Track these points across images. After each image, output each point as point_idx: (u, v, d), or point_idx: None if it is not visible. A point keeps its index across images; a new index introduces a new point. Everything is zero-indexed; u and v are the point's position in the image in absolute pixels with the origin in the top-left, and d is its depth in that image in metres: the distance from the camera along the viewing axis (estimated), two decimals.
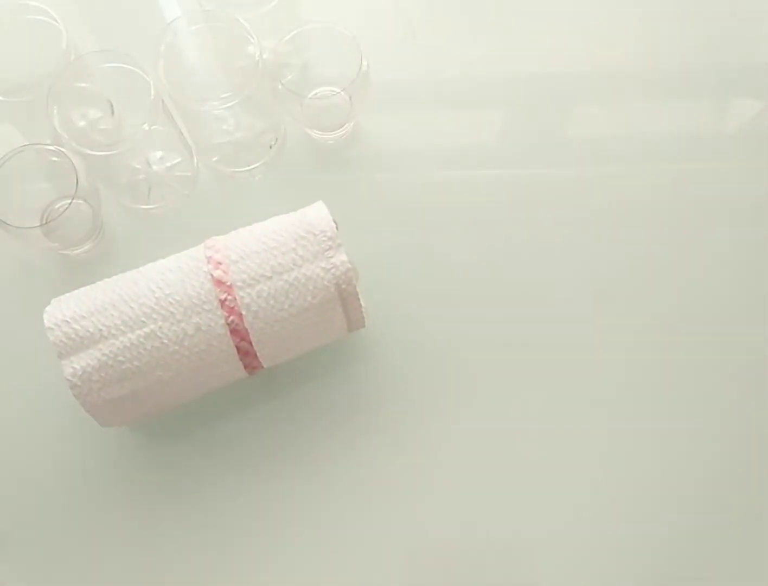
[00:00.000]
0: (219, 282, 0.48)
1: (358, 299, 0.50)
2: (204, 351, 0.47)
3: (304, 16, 0.63)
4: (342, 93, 0.55)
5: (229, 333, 0.47)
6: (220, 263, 0.48)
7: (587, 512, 0.53)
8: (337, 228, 0.50)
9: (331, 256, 0.48)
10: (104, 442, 0.54)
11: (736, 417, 0.56)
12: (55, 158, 0.52)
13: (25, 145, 0.52)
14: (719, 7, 0.67)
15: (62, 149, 0.51)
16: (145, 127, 0.51)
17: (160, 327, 0.47)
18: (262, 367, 0.50)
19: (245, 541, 0.52)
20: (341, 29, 0.55)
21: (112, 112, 0.57)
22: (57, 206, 0.57)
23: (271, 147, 0.61)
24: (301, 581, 0.52)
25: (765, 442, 0.55)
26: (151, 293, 0.48)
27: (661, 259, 0.60)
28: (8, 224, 0.51)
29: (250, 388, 0.55)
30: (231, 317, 0.47)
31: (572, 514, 0.53)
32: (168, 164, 0.60)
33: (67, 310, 0.47)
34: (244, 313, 0.47)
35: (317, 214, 0.51)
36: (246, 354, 0.48)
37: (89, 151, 0.51)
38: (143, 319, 0.47)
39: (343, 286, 0.48)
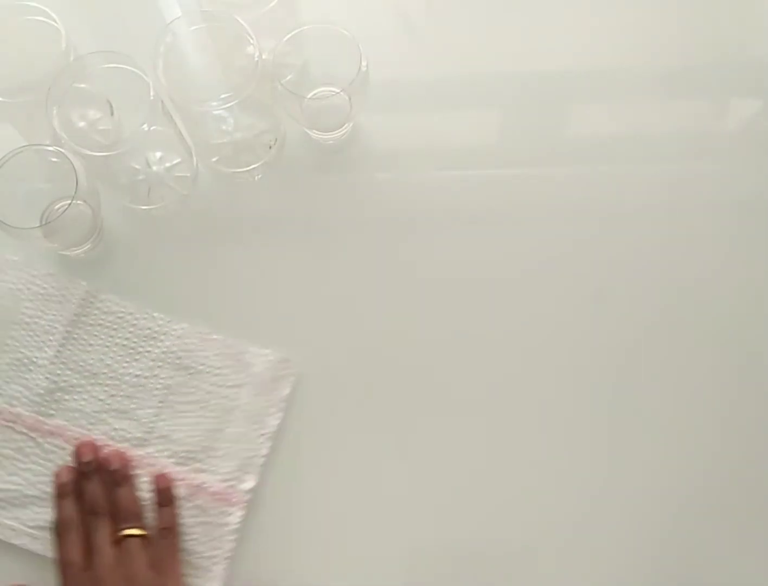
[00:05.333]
0: None
1: None
2: None
3: (303, 16, 0.63)
4: (341, 93, 0.55)
5: None
6: None
7: (586, 516, 0.53)
8: None
9: None
10: None
11: (738, 418, 0.56)
12: (54, 159, 0.52)
13: (24, 146, 0.52)
14: (719, 7, 0.67)
15: (62, 150, 0.51)
16: (145, 127, 0.51)
17: None
18: None
19: None
20: (341, 29, 0.55)
21: (112, 113, 0.57)
22: (57, 207, 0.57)
23: (270, 147, 0.61)
24: None
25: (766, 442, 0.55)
26: None
27: (661, 259, 0.60)
28: (8, 224, 0.51)
29: None
30: None
31: (572, 517, 0.53)
32: (167, 165, 0.60)
33: None
34: None
35: None
36: None
37: (89, 152, 0.51)
38: None
39: None
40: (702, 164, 0.63)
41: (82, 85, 0.54)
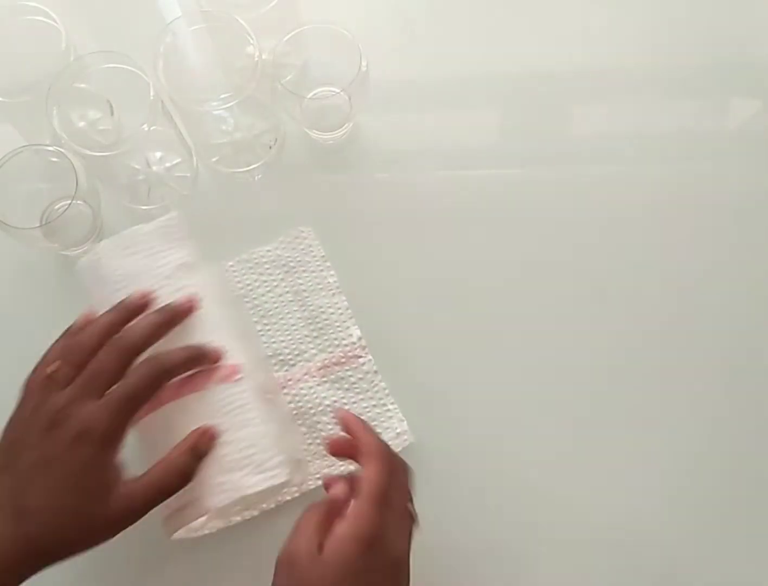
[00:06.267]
0: None
1: None
2: None
3: (303, 16, 0.63)
4: (341, 93, 0.55)
5: None
6: None
7: (590, 516, 0.53)
8: None
9: None
10: None
11: (739, 416, 0.55)
12: (54, 159, 0.52)
13: (24, 146, 0.52)
14: (719, 7, 0.67)
15: (62, 150, 0.51)
16: (145, 127, 0.51)
17: None
18: None
19: None
20: (341, 29, 0.55)
21: (112, 113, 0.57)
22: (57, 207, 0.57)
23: (270, 147, 0.61)
24: None
25: None
26: None
27: (661, 258, 0.60)
28: (8, 225, 0.51)
29: None
30: None
31: (576, 519, 0.53)
32: (167, 165, 0.60)
33: None
34: None
35: None
36: None
37: (89, 152, 0.51)
38: None
39: None
40: (702, 164, 0.63)
41: (82, 85, 0.54)
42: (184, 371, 0.44)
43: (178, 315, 0.45)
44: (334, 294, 0.57)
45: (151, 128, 0.51)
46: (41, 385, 0.42)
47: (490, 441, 0.54)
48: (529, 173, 0.62)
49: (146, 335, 0.43)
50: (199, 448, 0.42)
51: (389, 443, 0.52)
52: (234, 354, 0.46)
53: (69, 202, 0.50)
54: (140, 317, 0.45)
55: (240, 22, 0.53)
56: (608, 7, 0.68)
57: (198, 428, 0.43)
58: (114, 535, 0.40)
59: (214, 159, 0.62)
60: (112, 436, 0.40)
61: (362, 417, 0.53)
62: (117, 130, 0.58)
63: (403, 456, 0.52)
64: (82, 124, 0.58)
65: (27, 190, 0.56)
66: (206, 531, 0.49)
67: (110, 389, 0.41)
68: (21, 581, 0.39)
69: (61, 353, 0.44)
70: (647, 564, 0.52)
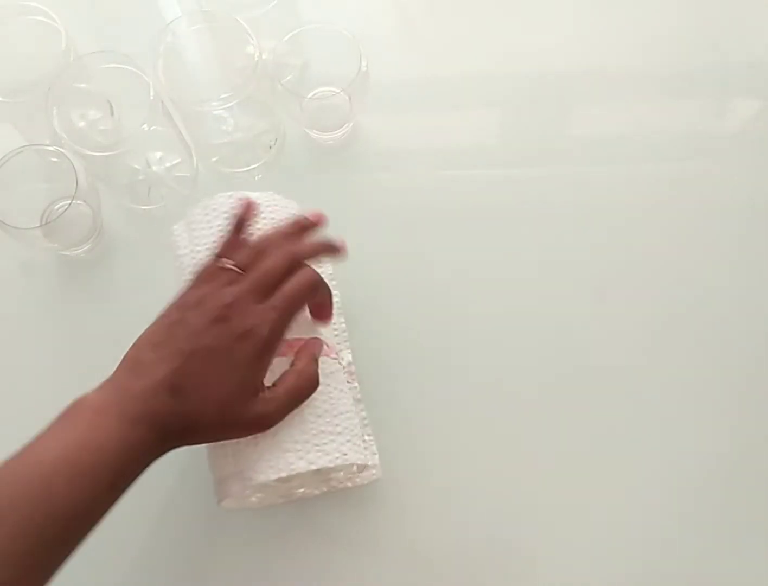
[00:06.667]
0: None
1: None
2: None
3: (303, 16, 0.63)
4: (341, 93, 0.55)
5: None
6: None
7: (592, 517, 0.53)
8: None
9: None
10: None
11: (743, 419, 0.56)
12: (54, 159, 0.52)
13: (24, 146, 0.52)
14: (719, 7, 0.67)
15: (62, 150, 0.51)
16: (145, 127, 0.51)
17: None
18: None
19: None
20: (341, 29, 0.55)
21: (112, 113, 0.57)
22: (57, 207, 0.57)
23: (270, 147, 0.61)
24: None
25: None
26: None
27: (661, 259, 0.60)
28: (8, 225, 0.51)
29: None
30: None
31: (577, 520, 0.53)
32: (167, 165, 0.60)
33: None
34: None
35: None
36: None
37: (89, 152, 0.51)
38: None
39: None
40: (702, 164, 0.63)
41: (82, 85, 0.54)
42: (320, 298, 0.48)
43: (334, 251, 0.48)
44: (334, 315, 0.54)
45: (151, 128, 0.51)
46: (213, 276, 0.44)
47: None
48: (529, 173, 0.62)
49: (314, 249, 0.46)
50: (318, 358, 0.45)
51: (357, 476, 0.51)
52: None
53: (69, 202, 0.50)
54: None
55: (240, 22, 0.53)
56: (608, 7, 0.68)
57: (308, 341, 0.46)
58: (243, 435, 0.44)
59: (214, 159, 0.62)
60: (272, 342, 0.43)
61: None
62: (117, 130, 0.58)
63: (377, 490, 0.52)
64: (82, 124, 0.58)
65: (27, 190, 0.56)
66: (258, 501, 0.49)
67: (271, 297, 0.43)
68: (162, 454, 0.41)
69: (229, 251, 0.46)
70: (652, 568, 0.52)
